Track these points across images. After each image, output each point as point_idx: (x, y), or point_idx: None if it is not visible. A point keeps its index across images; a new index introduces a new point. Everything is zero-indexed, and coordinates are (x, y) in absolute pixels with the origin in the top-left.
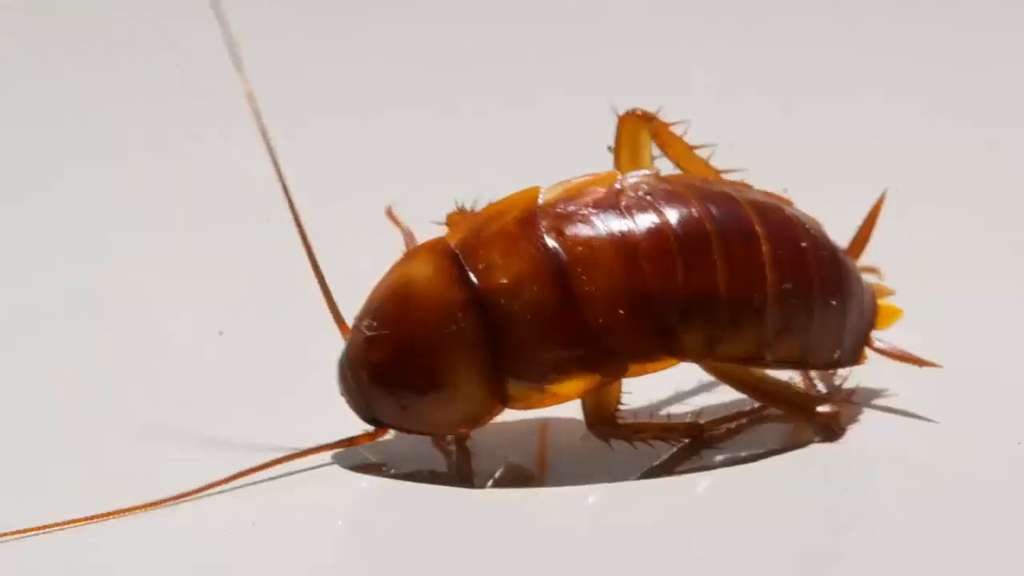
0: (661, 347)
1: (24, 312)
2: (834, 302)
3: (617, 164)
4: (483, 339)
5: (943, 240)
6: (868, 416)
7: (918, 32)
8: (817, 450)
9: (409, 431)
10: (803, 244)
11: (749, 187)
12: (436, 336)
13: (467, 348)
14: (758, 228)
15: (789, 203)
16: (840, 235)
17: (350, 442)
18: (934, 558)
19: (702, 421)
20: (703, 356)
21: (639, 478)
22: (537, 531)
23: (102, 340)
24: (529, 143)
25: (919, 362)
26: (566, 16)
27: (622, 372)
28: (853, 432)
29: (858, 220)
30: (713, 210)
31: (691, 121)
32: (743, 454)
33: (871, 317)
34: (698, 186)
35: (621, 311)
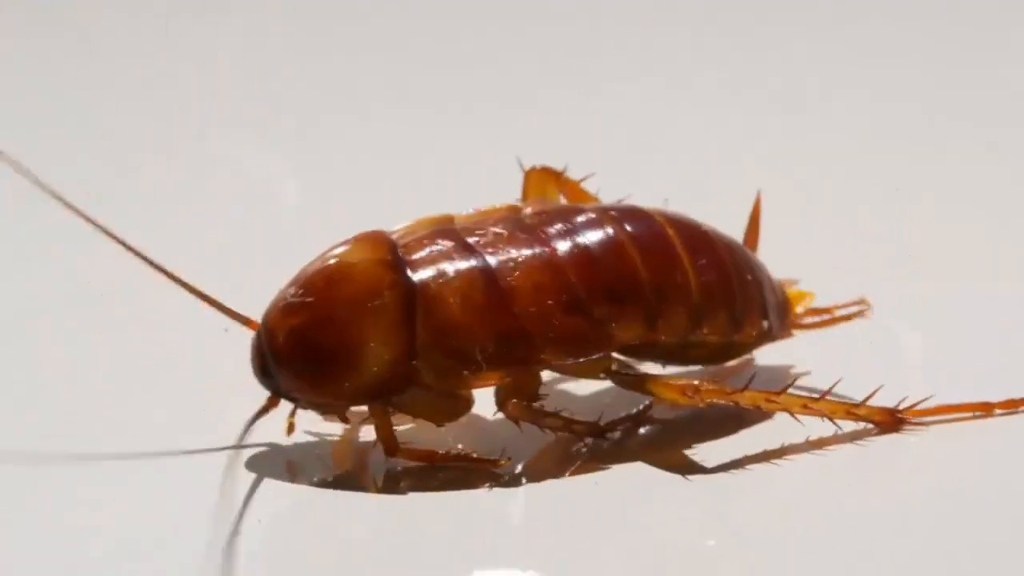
0: (591, 340)
1: (27, 308)
2: (749, 276)
3: None
4: (404, 319)
5: (943, 239)
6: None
7: (919, 32)
8: (817, 452)
9: (310, 403)
10: (704, 229)
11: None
12: (358, 306)
13: (386, 321)
14: (660, 219)
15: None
16: (843, 236)
17: (253, 420)
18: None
19: (602, 423)
20: (642, 338)
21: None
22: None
23: (106, 336)
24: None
25: (846, 318)
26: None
27: (544, 365)
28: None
29: (860, 220)
30: (613, 212)
31: (596, 173)
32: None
33: (784, 297)
34: (594, 203)
35: (548, 302)
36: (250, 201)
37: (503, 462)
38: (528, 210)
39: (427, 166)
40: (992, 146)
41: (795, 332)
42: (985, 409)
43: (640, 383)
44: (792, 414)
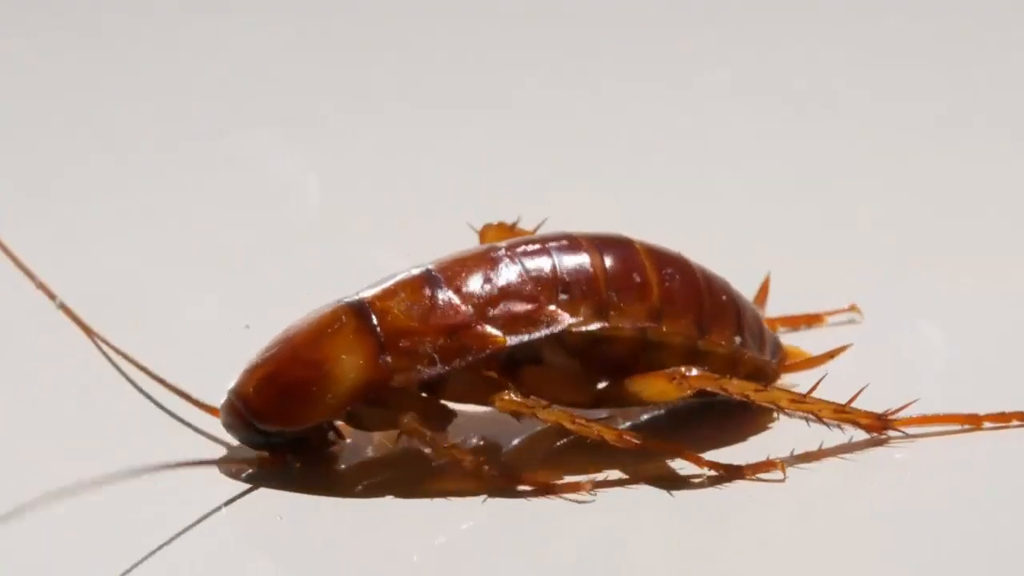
0: (534, 319)
1: (48, 307)
2: (723, 297)
3: None
4: (363, 328)
5: (940, 239)
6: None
7: (932, 30)
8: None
9: (297, 430)
10: (677, 254)
11: None
12: (318, 334)
13: (347, 335)
14: (629, 238)
15: None
16: (848, 235)
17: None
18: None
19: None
20: (592, 322)
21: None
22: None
23: (128, 336)
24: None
25: (831, 355)
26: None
27: (492, 344)
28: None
29: (866, 222)
30: (577, 234)
31: (547, 219)
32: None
33: (775, 339)
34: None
35: (494, 292)
36: (271, 199)
37: (586, 488)
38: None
39: (447, 165)
40: (992, 145)
41: (783, 375)
42: (973, 422)
43: (620, 390)
44: (779, 408)
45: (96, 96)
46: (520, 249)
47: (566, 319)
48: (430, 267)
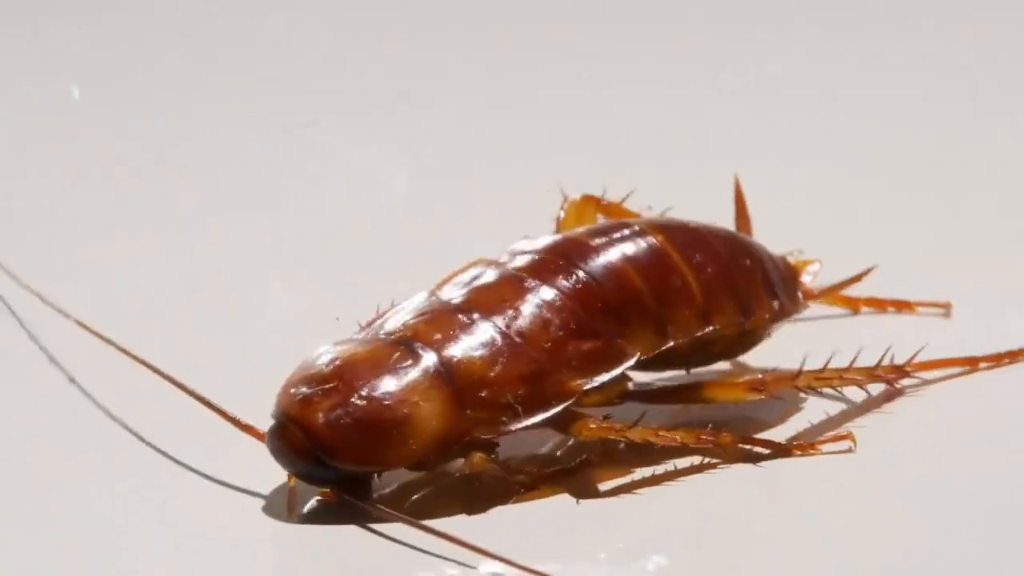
0: (608, 357)
1: (144, 296)
2: (747, 261)
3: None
4: (440, 378)
5: (957, 234)
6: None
7: (921, 30)
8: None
9: (369, 471)
10: (693, 226)
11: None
12: (390, 376)
13: (427, 381)
14: (647, 227)
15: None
16: (856, 237)
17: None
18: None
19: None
20: (656, 345)
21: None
22: None
23: (218, 328)
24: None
25: (856, 279)
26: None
27: (572, 392)
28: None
29: (873, 220)
30: (598, 235)
31: (635, 190)
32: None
33: (789, 270)
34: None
35: (558, 334)
36: (359, 189)
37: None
38: (505, 258)
39: (529, 150)
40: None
41: (810, 303)
42: (971, 364)
43: (693, 392)
44: (835, 388)
45: (174, 92)
46: (554, 277)
47: (635, 352)
48: (457, 300)
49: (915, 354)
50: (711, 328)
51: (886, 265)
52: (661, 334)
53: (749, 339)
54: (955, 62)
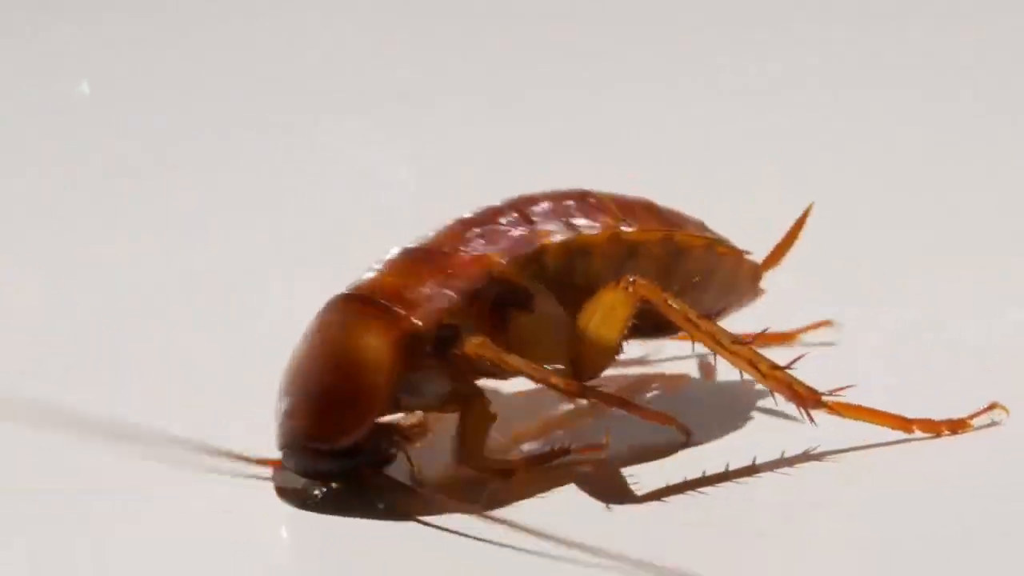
0: (523, 238)
1: (144, 296)
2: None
3: None
4: (368, 303)
5: (953, 236)
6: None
7: (921, 30)
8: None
9: (362, 432)
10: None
11: None
12: (330, 337)
13: (358, 318)
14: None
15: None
16: (856, 237)
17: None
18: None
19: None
20: (564, 233)
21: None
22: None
23: (218, 328)
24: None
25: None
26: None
27: (490, 263)
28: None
29: (873, 220)
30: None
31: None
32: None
33: (752, 269)
34: None
35: (491, 226)
36: (359, 189)
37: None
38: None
39: (538, 149)
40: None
41: (763, 273)
42: (904, 427)
43: (582, 335)
44: (718, 344)
45: (183, 89)
46: (487, 207)
47: (543, 235)
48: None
49: (844, 388)
50: (627, 227)
51: (886, 265)
52: (571, 229)
53: (681, 265)
54: (955, 62)
